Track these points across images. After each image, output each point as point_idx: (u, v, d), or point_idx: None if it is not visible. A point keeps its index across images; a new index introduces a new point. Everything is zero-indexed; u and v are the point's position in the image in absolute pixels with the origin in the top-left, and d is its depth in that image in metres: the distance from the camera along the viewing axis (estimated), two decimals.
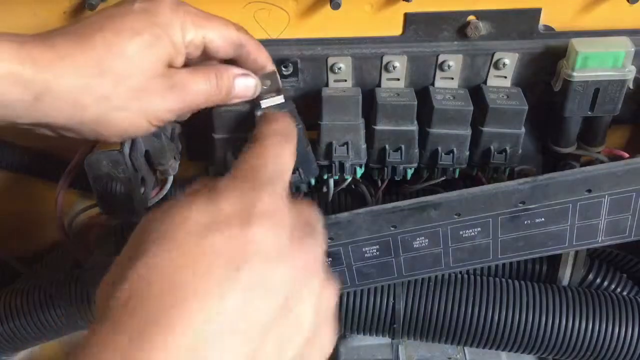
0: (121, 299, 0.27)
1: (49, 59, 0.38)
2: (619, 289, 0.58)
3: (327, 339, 0.33)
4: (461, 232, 0.48)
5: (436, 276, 0.54)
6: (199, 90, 0.43)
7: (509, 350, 0.55)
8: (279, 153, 0.36)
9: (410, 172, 0.53)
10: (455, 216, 0.47)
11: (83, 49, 0.39)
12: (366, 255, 0.49)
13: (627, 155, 0.52)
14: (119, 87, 0.40)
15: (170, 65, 0.42)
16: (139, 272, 0.28)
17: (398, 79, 0.51)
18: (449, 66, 0.50)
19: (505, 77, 0.51)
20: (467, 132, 0.51)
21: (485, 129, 0.50)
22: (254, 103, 0.48)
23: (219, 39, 0.43)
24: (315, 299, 0.31)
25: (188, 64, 0.44)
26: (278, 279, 0.29)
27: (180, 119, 0.47)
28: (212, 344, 0.26)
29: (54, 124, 0.40)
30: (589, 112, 0.50)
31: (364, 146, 0.52)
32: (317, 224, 0.34)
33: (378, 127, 0.50)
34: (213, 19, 0.43)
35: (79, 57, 0.39)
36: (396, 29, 0.51)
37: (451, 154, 0.51)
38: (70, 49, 0.39)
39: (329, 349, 0.33)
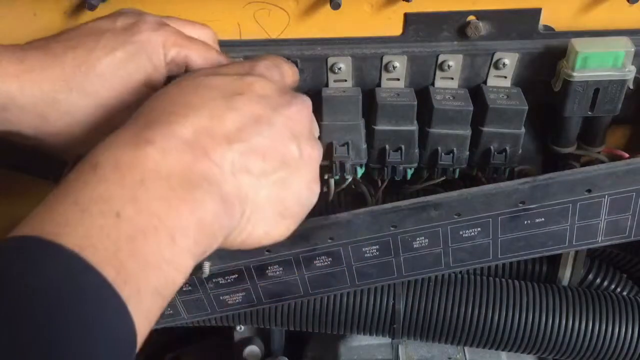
0: (137, 114, 0.35)
1: (16, 71, 0.38)
2: (619, 289, 0.58)
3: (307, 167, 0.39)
4: (461, 232, 0.48)
5: (436, 276, 0.54)
6: None
7: (509, 350, 0.55)
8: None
9: (410, 172, 0.53)
10: (455, 216, 0.47)
11: (52, 65, 0.40)
12: (366, 255, 0.49)
13: (627, 155, 0.52)
14: (85, 103, 0.40)
15: (149, 84, 0.42)
16: (150, 98, 0.36)
17: (398, 79, 0.51)
18: (449, 66, 0.50)
19: (505, 77, 0.51)
20: (467, 132, 0.51)
21: (485, 129, 0.50)
22: None
23: (201, 59, 0.44)
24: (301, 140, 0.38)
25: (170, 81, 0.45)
26: (269, 116, 0.36)
27: None
28: (209, 142, 0.33)
29: (22, 134, 0.41)
30: (589, 112, 0.50)
31: (364, 146, 0.52)
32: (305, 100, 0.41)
33: (378, 127, 0.50)
34: (195, 41, 0.44)
35: (47, 71, 0.39)
36: (396, 29, 0.51)
37: (451, 154, 0.51)
38: (39, 62, 0.39)
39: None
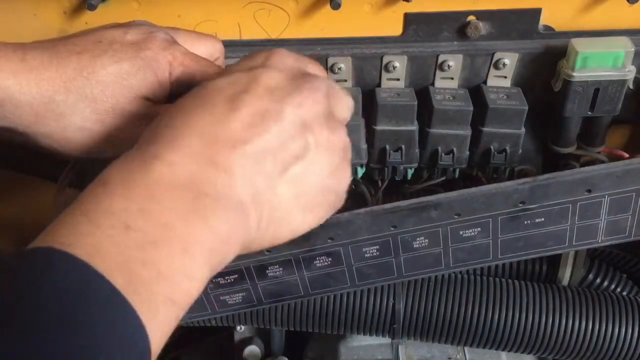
0: (145, 133, 0.35)
1: (15, 68, 0.39)
2: (619, 289, 0.58)
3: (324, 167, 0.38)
4: (461, 232, 0.48)
5: (436, 276, 0.54)
6: None
7: (509, 350, 0.55)
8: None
9: (410, 172, 0.53)
10: (455, 216, 0.47)
11: (54, 66, 0.40)
12: (366, 255, 0.49)
13: (627, 155, 0.52)
14: (82, 108, 0.40)
15: (150, 99, 0.42)
16: (159, 116, 0.36)
17: (398, 79, 0.51)
18: (449, 66, 0.50)
19: (505, 77, 0.51)
20: (467, 132, 0.51)
21: (485, 129, 0.50)
22: None
23: (205, 79, 0.44)
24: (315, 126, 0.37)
25: (173, 98, 0.45)
26: (276, 109, 0.35)
27: None
28: (214, 149, 0.33)
29: (14, 130, 0.41)
30: (589, 112, 0.50)
31: (364, 146, 0.52)
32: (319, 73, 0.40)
33: (378, 127, 0.50)
34: (202, 61, 0.44)
35: (47, 72, 0.39)
36: (396, 29, 0.51)
37: (451, 154, 0.51)
38: (41, 62, 0.39)
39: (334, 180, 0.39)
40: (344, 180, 0.39)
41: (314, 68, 0.41)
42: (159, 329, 0.29)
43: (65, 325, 0.25)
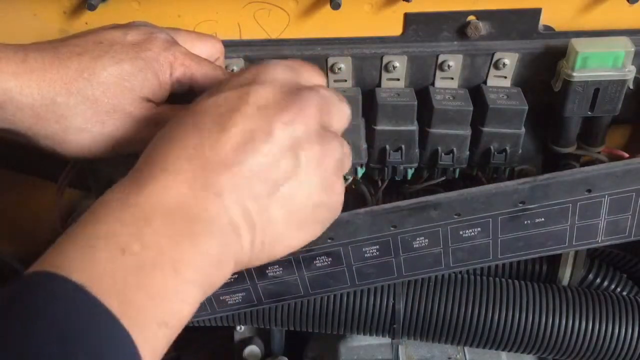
0: (142, 157, 0.35)
1: (16, 69, 0.39)
2: (619, 289, 0.58)
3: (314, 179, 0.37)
4: (461, 232, 0.48)
5: (436, 276, 0.54)
6: None
7: (509, 350, 0.55)
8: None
9: (410, 172, 0.53)
10: (455, 216, 0.47)
11: (55, 68, 0.40)
12: (366, 255, 0.49)
13: (627, 155, 0.52)
14: (83, 109, 0.40)
15: (150, 100, 0.42)
16: (154, 139, 0.36)
17: (398, 79, 0.51)
18: (449, 66, 0.50)
19: (505, 77, 0.51)
20: (467, 132, 0.51)
21: (485, 129, 0.50)
22: None
23: (206, 81, 0.44)
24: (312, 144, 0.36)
25: (173, 98, 0.45)
26: (265, 129, 0.35)
27: None
28: (205, 172, 0.33)
29: (15, 131, 0.41)
30: (589, 112, 0.50)
31: (364, 146, 0.52)
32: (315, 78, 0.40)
33: (378, 127, 0.50)
34: (202, 61, 0.44)
35: (48, 74, 0.39)
36: (396, 29, 0.51)
37: (451, 154, 0.51)
38: (42, 64, 0.40)
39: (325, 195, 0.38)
40: (337, 194, 0.39)
41: (310, 75, 0.40)
42: (152, 350, 0.29)
43: (59, 347, 0.26)
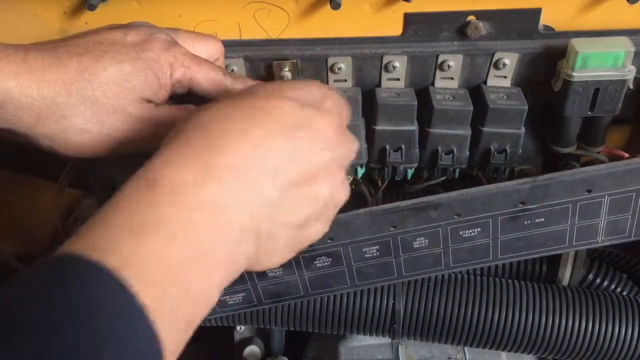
0: (193, 130, 0.34)
1: (16, 70, 0.39)
2: (619, 289, 0.58)
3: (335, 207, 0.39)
4: (461, 232, 0.48)
5: (436, 276, 0.54)
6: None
7: (509, 350, 0.55)
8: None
9: (410, 172, 0.53)
10: (455, 216, 0.47)
11: (55, 68, 0.40)
12: (366, 255, 0.49)
13: (627, 155, 0.52)
14: (83, 109, 0.40)
15: (150, 100, 0.42)
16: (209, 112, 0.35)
17: (398, 79, 0.51)
18: (449, 66, 0.50)
19: (505, 77, 0.51)
20: (467, 132, 0.51)
21: (485, 129, 0.50)
22: None
23: (206, 81, 0.44)
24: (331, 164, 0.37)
25: (173, 98, 0.45)
26: (291, 141, 0.35)
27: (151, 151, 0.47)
28: (260, 176, 0.33)
29: (15, 131, 0.41)
30: (589, 112, 0.50)
31: (364, 146, 0.52)
32: (329, 98, 0.39)
33: (378, 127, 0.50)
34: (202, 62, 0.44)
35: (48, 74, 0.39)
36: (396, 29, 0.51)
37: (451, 154, 0.51)
38: (42, 64, 0.39)
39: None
40: (321, 232, 0.40)
41: (348, 109, 0.41)
42: (174, 347, 0.29)
43: (83, 337, 0.25)
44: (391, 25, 0.51)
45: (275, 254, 0.37)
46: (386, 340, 0.61)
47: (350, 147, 0.39)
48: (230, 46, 0.50)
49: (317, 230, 0.39)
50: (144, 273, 0.28)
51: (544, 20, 0.50)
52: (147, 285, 0.27)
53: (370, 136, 0.51)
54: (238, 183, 0.33)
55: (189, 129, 0.34)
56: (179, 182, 0.31)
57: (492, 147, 0.51)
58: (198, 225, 0.31)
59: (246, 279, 0.50)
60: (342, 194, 0.39)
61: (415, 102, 0.50)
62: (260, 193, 0.34)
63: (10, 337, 0.24)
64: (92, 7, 0.48)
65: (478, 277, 0.55)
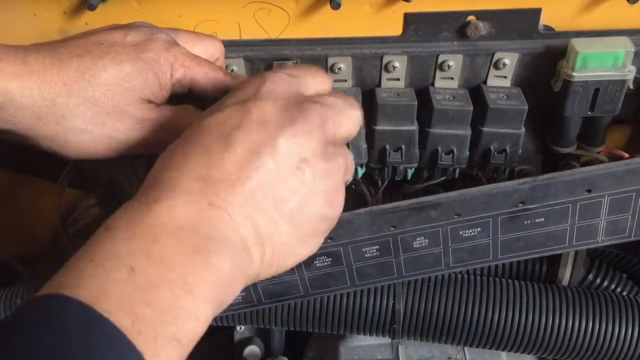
0: (147, 179, 0.35)
1: (17, 71, 0.39)
2: (619, 289, 0.58)
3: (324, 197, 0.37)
4: (461, 232, 0.48)
5: (436, 276, 0.54)
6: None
7: (509, 350, 0.55)
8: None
9: (410, 172, 0.53)
10: (455, 216, 0.47)
11: (55, 69, 0.40)
12: (366, 255, 0.49)
13: (627, 155, 0.52)
14: (83, 110, 0.40)
15: (151, 101, 0.42)
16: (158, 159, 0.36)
17: (398, 79, 0.51)
18: (449, 66, 0.50)
19: (505, 77, 0.51)
20: (467, 132, 0.51)
21: (485, 129, 0.50)
22: None
23: (206, 82, 0.44)
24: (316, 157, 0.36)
25: (173, 98, 0.45)
26: (270, 144, 0.35)
27: (151, 151, 0.46)
28: (212, 190, 0.33)
29: (15, 132, 0.41)
30: (589, 112, 0.50)
31: (364, 146, 0.52)
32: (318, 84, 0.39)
33: (378, 127, 0.50)
34: (203, 62, 0.44)
35: (49, 75, 0.39)
36: (396, 29, 0.51)
37: (451, 154, 0.51)
38: (42, 65, 0.39)
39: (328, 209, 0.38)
40: (338, 207, 0.39)
41: (313, 81, 0.40)
42: None
43: None
44: (391, 25, 0.51)
45: (286, 249, 0.37)
46: (386, 340, 0.61)
47: (309, 113, 0.37)
48: (230, 46, 0.50)
49: (318, 204, 0.37)
50: (112, 300, 0.28)
51: (544, 20, 0.50)
52: (117, 310, 0.28)
53: (370, 136, 0.51)
54: (187, 206, 0.33)
55: (146, 178, 0.35)
56: (130, 221, 0.32)
57: (492, 147, 0.51)
58: (156, 255, 0.31)
59: None
60: (331, 162, 0.38)
61: (415, 102, 0.50)
62: (216, 204, 0.34)
63: None
64: (92, 7, 0.48)
65: (478, 277, 0.55)
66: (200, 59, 0.44)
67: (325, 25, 0.51)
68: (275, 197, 0.35)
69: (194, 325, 0.31)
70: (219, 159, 0.34)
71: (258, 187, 0.34)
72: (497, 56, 0.50)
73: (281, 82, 0.38)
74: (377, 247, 0.48)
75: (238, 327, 0.66)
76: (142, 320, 0.28)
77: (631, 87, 0.49)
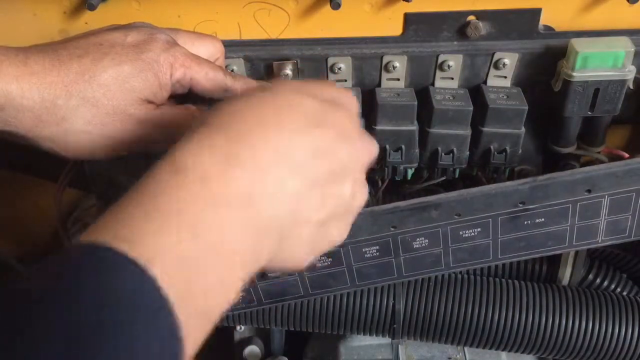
0: (220, 118, 0.33)
1: (17, 72, 0.38)
2: (619, 289, 0.58)
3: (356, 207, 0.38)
4: (461, 232, 0.48)
5: (436, 276, 0.54)
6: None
7: (509, 350, 0.55)
8: None
9: (410, 172, 0.53)
10: (455, 216, 0.47)
11: (55, 70, 0.40)
12: (366, 255, 0.49)
13: (627, 155, 0.52)
14: (84, 111, 0.40)
15: (151, 101, 0.42)
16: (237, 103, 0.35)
17: (398, 79, 0.51)
18: (449, 66, 0.50)
19: (505, 77, 0.51)
20: (467, 132, 0.51)
21: (485, 129, 0.50)
22: None
23: (206, 81, 0.44)
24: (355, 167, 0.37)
25: (173, 98, 0.45)
26: (339, 151, 0.35)
27: (152, 151, 0.46)
28: (289, 171, 0.33)
29: (15, 133, 0.41)
30: (589, 112, 0.50)
31: None
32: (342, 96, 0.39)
33: (378, 127, 0.50)
34: (203, 62, 0.44)
35: (49, 76, 0.39)
36: (396, 29, 0.51)
37: (451, 154, 0.51)
38: (42, 66, 0.39)
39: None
40: (345, 236, 0.39)
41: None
42: (192, 343, 0.29)
43: (106, 332, 0.25)
44: (391, 25, 0.51)
45: (296, 251, 0.36)
46: (386, 340, 0.61)
47: (370, 149, 0.38)
48: (230, 46, 0.50)
49: (338, 231, 0.38)
50: (167, 267, 0.27)
51: (544, 20, 0.50)
52: (171, 279, 0.27)
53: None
54: (262, 177, 0.32)
55: (213, 122, 0.33)
56: (204, 174, 0.30)
57: (492, 147, 0.51)
58: (223, 218, 0.30)
59: None
60: (363, 195, 0.39)
61: (415, 102, 0.50)
62: (284, 188, 0.33)
63: (37, 329, 0.24)
64: (92, 7, 0.48)
65: (478, 277, 0.55)
66: (200, 59, 0.44)
67: (325, 25, 0.51)
68: (323, 206, 0.35)
69: (224, 304, 0.31)
70: (303, 145, 0.34)
71: (315, 186, 0.34)
72: (497, 56, 0.50)
73: (351, 101, 0.39)
74: (377, 247, 0.48)
75: (238, 327, 0.66)
76: (190, 292, 0.28)
77: (631, 87, 0.49)
